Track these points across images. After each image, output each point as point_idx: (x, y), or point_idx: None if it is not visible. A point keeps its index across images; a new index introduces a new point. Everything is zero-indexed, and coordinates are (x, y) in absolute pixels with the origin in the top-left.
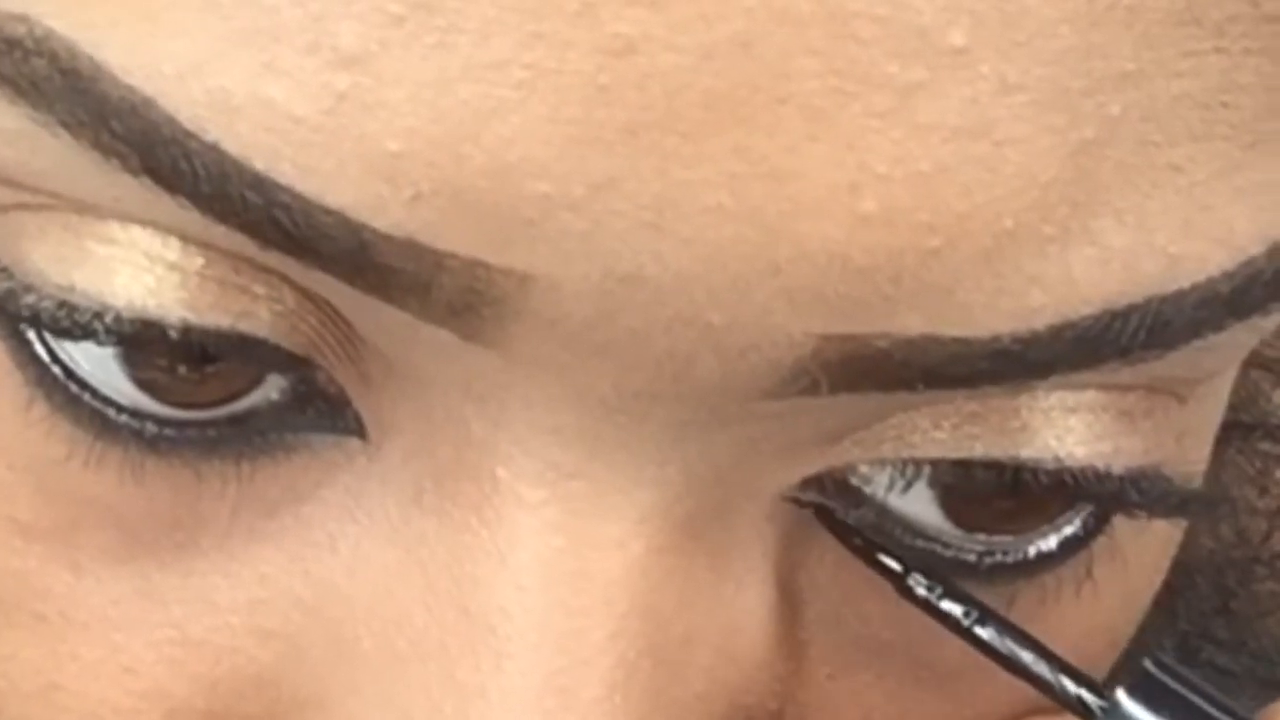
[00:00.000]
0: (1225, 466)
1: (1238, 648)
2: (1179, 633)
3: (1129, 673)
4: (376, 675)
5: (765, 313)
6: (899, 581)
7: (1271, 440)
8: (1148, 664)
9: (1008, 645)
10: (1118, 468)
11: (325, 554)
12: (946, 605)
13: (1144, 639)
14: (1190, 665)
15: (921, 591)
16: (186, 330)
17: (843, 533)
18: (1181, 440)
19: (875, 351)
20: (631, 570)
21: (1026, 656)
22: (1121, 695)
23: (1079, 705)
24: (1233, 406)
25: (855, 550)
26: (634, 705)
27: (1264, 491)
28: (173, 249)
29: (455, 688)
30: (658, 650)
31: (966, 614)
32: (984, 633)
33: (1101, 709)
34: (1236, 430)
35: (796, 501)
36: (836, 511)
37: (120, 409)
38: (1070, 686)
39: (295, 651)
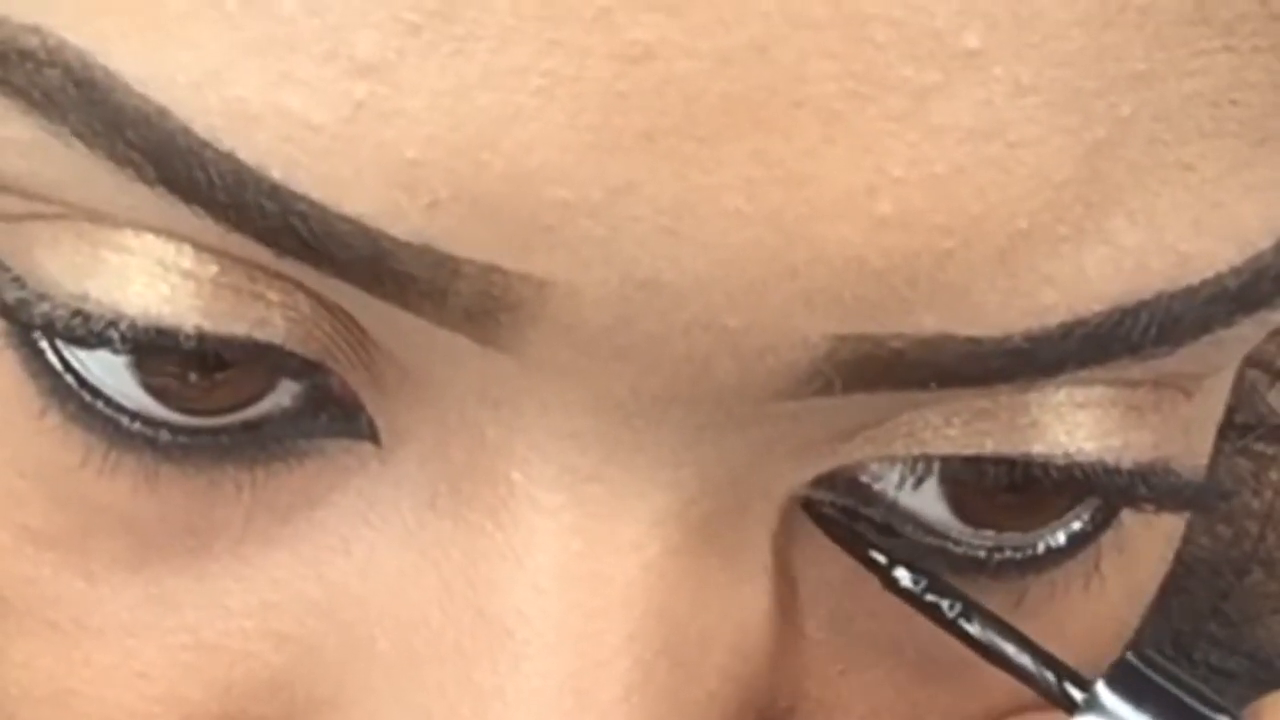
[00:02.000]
0: (1220, 467)
1: (1232, 648)
2: (1173, 632)
3: (1110, 665)
4: (393, 676)
5: (782, 315)
6: (884, 574)
7: (1266, 441)
8: (1129, 656)
9: (991, 638)
10: (1127, 462)
11: (339, 558)
12: (931, 598)
13: (1139, 638)
14: (1184, 664)
15: (907, 584)
16: (201, 337)
17: (829, 526)
18: (1188, 434)
19: (889, 352)
20: (648, 572)
21: (1010, 649)
22: (1101, 687)
23: (1061, 697)
24: (1229, 406)
25: (841, 543)
26: (651, 706)
27: (1257, 492)
28: (187, 257)
29: (472, 689)
30: (674, 651)
31: (951, 607)
32: (969, 626)
33: (1082, 700)
34: (1232, 430)
35: (806, 501)
36: (823, 505)
37: (133, 416)
38: (1053, 679)
39: (310, 654)
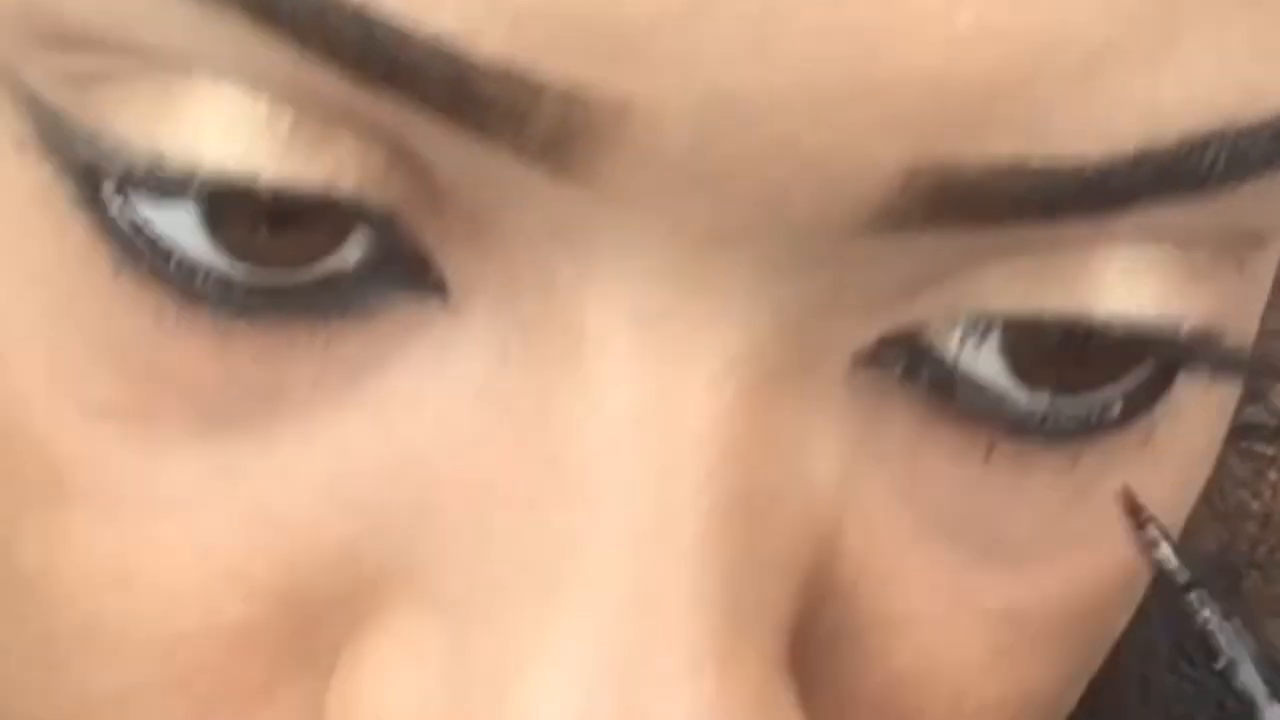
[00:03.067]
0: (1220, 469)
1: None
2: (1174, 642)
3: None
4: (463, 537)
5: (861, 136)
6: (1178, 595)
7: (1266, 441)
8: None
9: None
10: (1186, 325)
11: (409, 417)
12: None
13: (1137, 647)
14: (1185, 669)
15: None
16: (277, 188)
17: (1138, 517)
18: (1239, 308)
19: (966, 181)
20: (721, 414)
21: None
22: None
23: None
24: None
25: (1144, 550)
26: (726, 555)
27: (1256, 494)
28: (262, 106)
29: (547, 539)
30: (748, 500)
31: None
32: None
33: None
34: (1235, 429)
35: (873, 361)
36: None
37: (206, 274)
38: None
39: (378, 521)
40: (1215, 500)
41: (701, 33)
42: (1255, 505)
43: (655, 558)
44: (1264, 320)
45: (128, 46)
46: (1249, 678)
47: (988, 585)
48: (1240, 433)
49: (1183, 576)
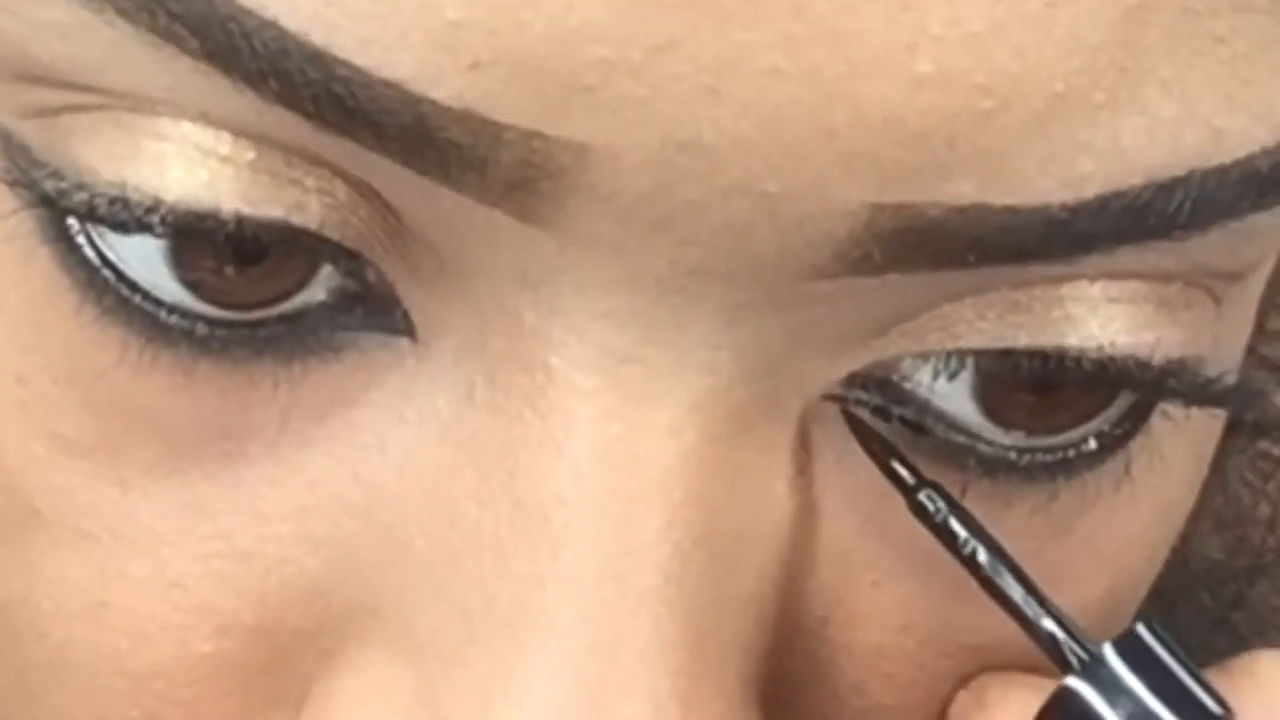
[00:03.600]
0: (1226, 473)
1: None
2: (1182, 645)
3: (1121, 632)
4: (430, 575)
5: (821, 180)
6: (908, 493)
7: (1271, 441)
8: (1139, 626)
9: (1001, 581)
10: (1158, 357)
11: (375, 456)
12: (953, 525)
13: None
14: None
15: (929, 508)
16: (240, 222)
17: (863, 436)
18: (1217, 343)
19: (927, 222)
20: (686, 457)
21: (1017, 595)
22: (1108, 650)
23: (1056, 650)
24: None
25: (873, 456)
26: (689, 596)
27: (1264, 495)
28: (224, 142)
29: (511, 579)
30: (711, 542)
31: (966, 542)
32: (983, 561)
33: (1082, 661)
34: (1240, 430)
35: (840, 399)
36: (855, 405)
37: (171, 309)
38: (1058, 633)
39: (346, 558)
40: (1220, 505)
41: (659, 77)
42: (1265, 508)
43: (619, 599)
44: (1266, 321)
45: (93, 86)
46: (987, 560)
47: (962, 621)
48: (1248, 433)
49: (912, 480)
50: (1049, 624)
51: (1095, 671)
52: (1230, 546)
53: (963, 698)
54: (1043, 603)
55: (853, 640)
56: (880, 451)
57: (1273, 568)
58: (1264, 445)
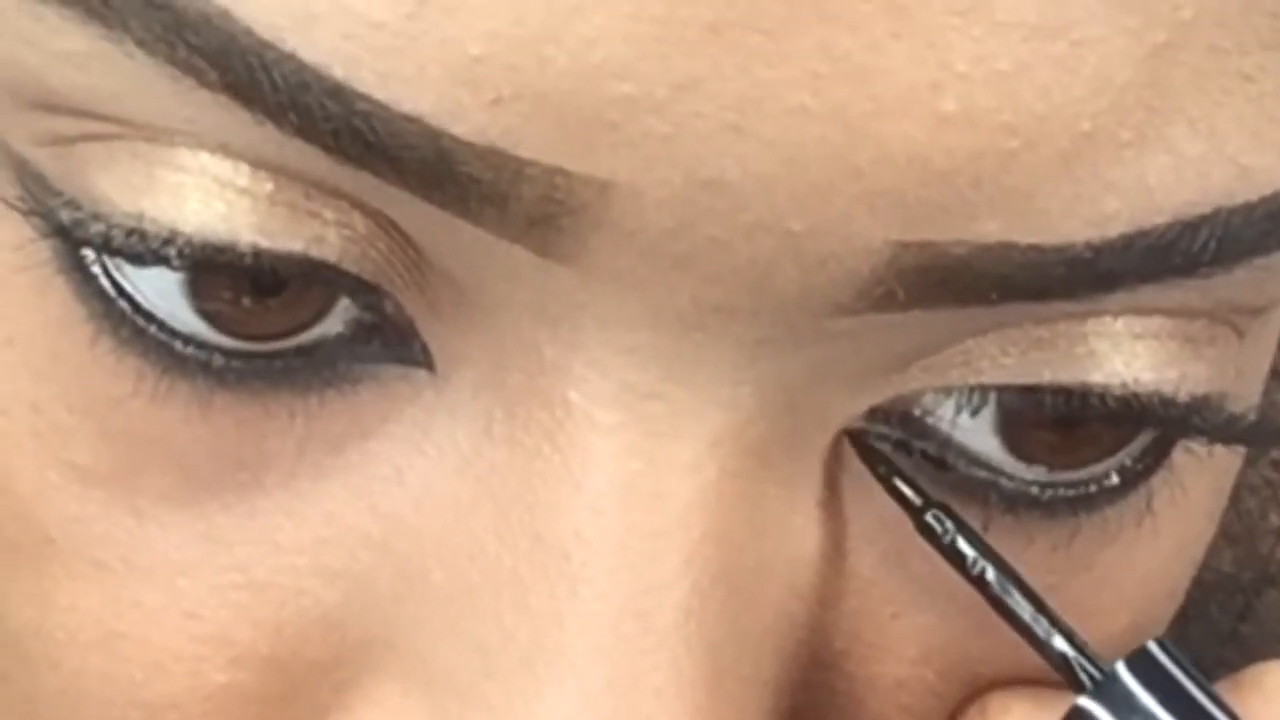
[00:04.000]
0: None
1: None
2: (1193, 658)
3: (1133, 650)
4: (447, 609)
5: (845, 218)
6: (915, 515)
7: None
8: (1151, 645)
9: (1014, 599)
10: (1183, 394)
11: (393, 489)
12: (961, 546)
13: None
14: None
15: (936, 529)
16: (257, 255)
17: (870, 459)
18: (1240, 374)
19: (952, 260)
20: (706, 494)
21: (1027, 614)
22: (1121, 668)
23: (1066, 669)
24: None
25: (879, 478)
26: (709, 632)
27: (1274, 504)
28: (243, 174)
29: (530, 616)
30: (731, 577)
31: (975, 562)
32: (991, 581)
33: (1094, 680)
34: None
35: (862, 433)
36: (873, 438)
37: (187, 340)
38: (1071, 652)
39: (362, 591)
40: (1230, 519)
41: (682, 114)
42: (1275, 518)
43: (637, 636)
44: None
45: (110, 116)
46: (999, 581)
47: (983, 654)
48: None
49: (918, 501)
50: (1060, 643)
51: (1108, 690)
52: (1239, 559)
53: (969, 711)
54: (1054, 622)
55: (871, 673)
56: (886, 473)
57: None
58: (1275, 454)
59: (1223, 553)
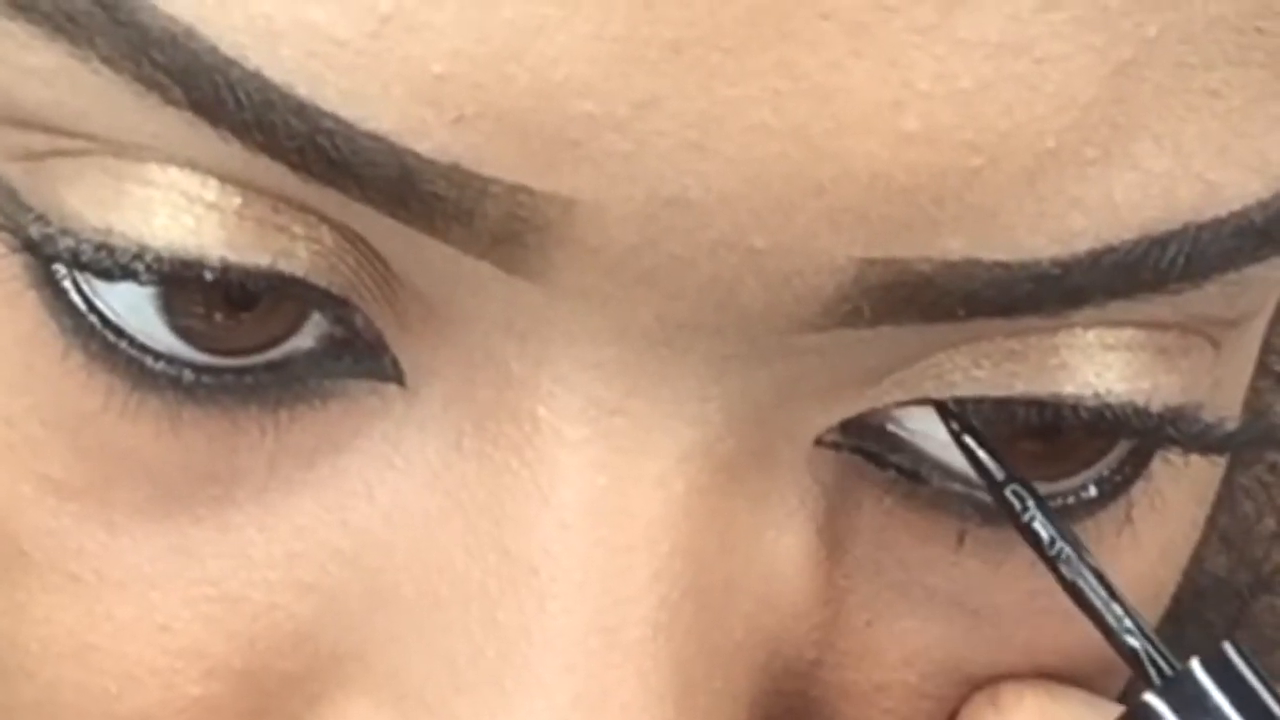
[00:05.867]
0: (1234, 491)
1: None
2: None
3: (1208, 652)
4: (417, 623)
5: (809, 235)
6: (996, 490)
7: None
8: (1227, 646)
9: (1088, 584)
10: (1156, 404)
11: (363, 503)
12: (1037, 526)
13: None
14: None
15: (1015, 506)
16: (226, 269)
17: (957, 428)
18: (1216, 385)
19: (917, 276)
20: (674, 509)
21: (1099, 601)
22: (1195, 665)
23: (1137, 663)
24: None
25: (962, 449)
26: (677, 648)
27: (1270, 509)
28: (211, 189)
29: (498, 630)
30: (700, 594)
31: (1052, 543)
32: (1064, 568)
33: (1164, 675)
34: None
35: (835, 446)
36: (848, 452)
37: (158, 356)
38: (1140, 646)
39: (334, 604)
40: (1224, 521)
41: (644, 132)
42: (1272, 523)
43: (604, 651)
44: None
45: (78, 131)
46: (1077, 567)
47: (961, 659)
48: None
49: (1000, 474)
50: (1132, 638)
51: (1177, 688)
52: (1233, 563)
53: (977, 699)
54: (1129, 612)
55: (846, 680)
56: (970, 443)
57: (1272, 580)
58: (1271, 458)
59: (1217, 557)
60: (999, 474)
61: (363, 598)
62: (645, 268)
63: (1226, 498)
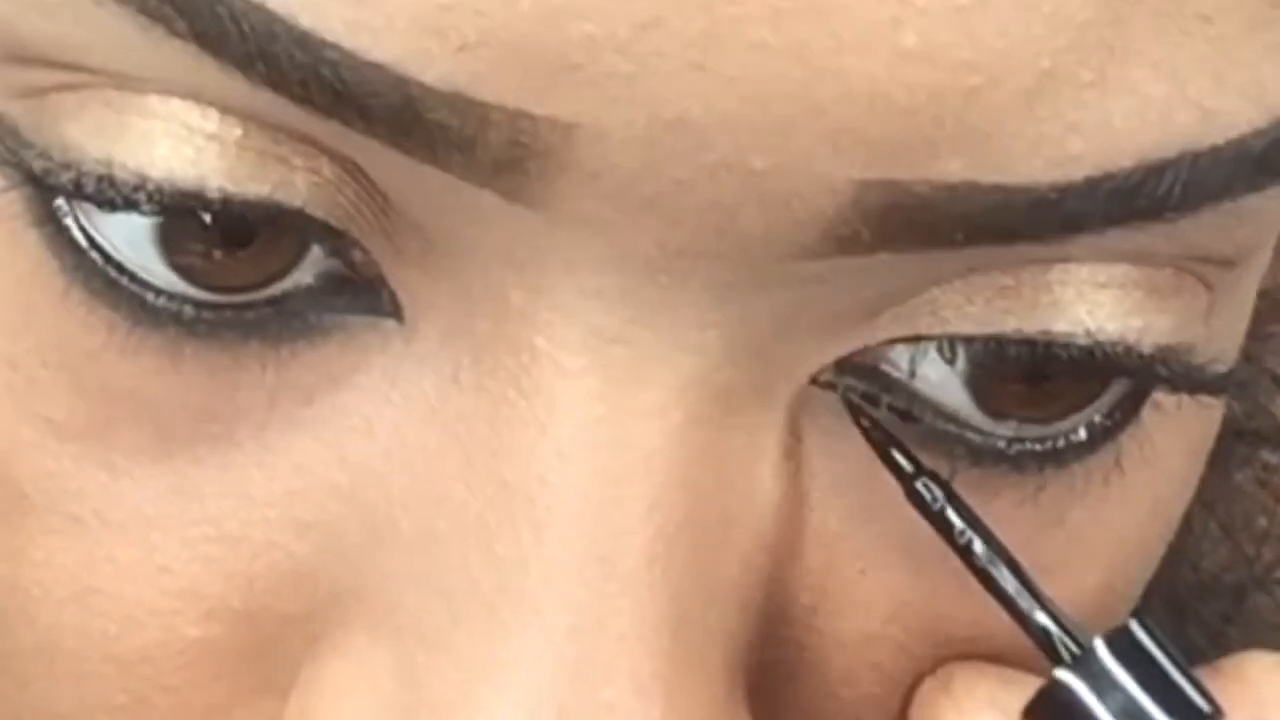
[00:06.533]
0: (1230, 485)
1: None
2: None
3: (1114, 628)
4: (415, 558)
5: (808, 156)
6: (907, 483)
7: (1272, 449)
8: (1132, 622)
9: (999, 571)
10: (1147, 344)
11: (362, 439)
12: (950, 515)
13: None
14: None
15: (926, 497)
16: (225, 200)
17: (863, 423)
18: (1209, 331)
19: (915, 199)
20: (671, 439)
21: (1011, 586)
22: (1099, 644)
23: (1047, 643)
24: (1239, 415)
25: (871, 443)
26: (673, 579)
27: (1263, 510)
28: (212, 120)
29: (495, 562)
30: (696, 525)
31: (962, 532)
32: (978, 552)
33: (1073, 654)
34: (1242, 439)
35: (829, 385)
36: (863, 405)
37: (158, 291)
38: (1050, 626)
39: (333, 542)
40: (1220, 517)
41: (645, 53)
42: (1263, 521)
43: (601, 582)
44: (1263, 324)
45: (81, 65)
46: (983, 551)
47: (951, 611)
48: (1250, 441)
49: (910, 467)
50: (1041, 617)
51: (1086, 665)
52: (1226, 561)
53: (928, 684)
54: (1036, 595)
55: (840, 630)
56: (879, 438)
57: (1269, 581)
58: (1265, 459)
59: (1210, 555)
60: (909, 468)
61: (361, 534)
62: (646, 193)
63: (1224, 495)
